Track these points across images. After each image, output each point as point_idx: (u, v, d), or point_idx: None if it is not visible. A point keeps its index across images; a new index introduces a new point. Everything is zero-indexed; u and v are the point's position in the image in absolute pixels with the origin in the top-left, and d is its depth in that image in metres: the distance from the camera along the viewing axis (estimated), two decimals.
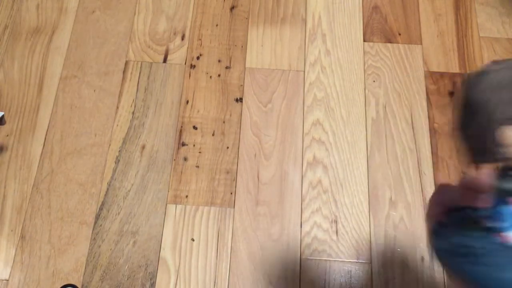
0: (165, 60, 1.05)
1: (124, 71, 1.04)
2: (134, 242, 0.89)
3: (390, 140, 0.97)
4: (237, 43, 1.07)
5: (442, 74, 1.03)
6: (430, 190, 0.93)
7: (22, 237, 0.90)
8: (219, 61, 1.05)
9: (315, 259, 0.88)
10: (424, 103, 1.01)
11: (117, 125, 0.99)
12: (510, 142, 0.33)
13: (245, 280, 0.87)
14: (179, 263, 0.88)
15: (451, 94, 1.01)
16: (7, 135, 0.98)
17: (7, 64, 1.04)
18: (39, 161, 0.96)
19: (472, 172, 0.36)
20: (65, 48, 1.06)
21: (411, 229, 0.90)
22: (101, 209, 0.92)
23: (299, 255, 0.89)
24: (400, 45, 1.06)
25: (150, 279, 0.87)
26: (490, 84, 0.35)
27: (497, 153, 0.34)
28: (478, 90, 0.35)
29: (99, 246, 0.89)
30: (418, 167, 0.95)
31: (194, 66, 1.04)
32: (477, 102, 0.35)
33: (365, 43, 1.07)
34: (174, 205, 0.92)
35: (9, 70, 1.04)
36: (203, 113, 1.00)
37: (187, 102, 1.01)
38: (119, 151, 0.97)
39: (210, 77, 1.03)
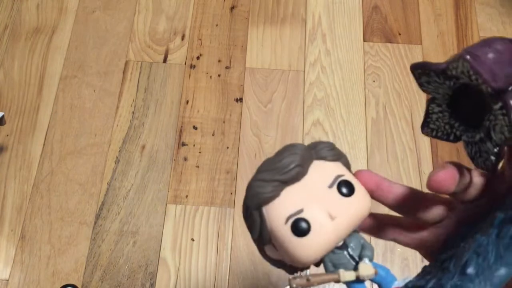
0: (165, 60, 1.05)
1: (124, 71, 1.04)
2: (134, 242, 0.89)
3: (390, 140, 0.97)
4: (237, 43, 1.07)
5: None
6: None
7: (22, 237, 0.90)
8: (219, 61, 1.05)
9: None
10: (424, 103, 1.00)
11: (117, 125, 0.99)
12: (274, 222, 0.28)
13: (245, 280, 0.87)
14: (179, 263, 0.88)
15: None
16: (7, 135, 0.98)
17: (7, 64, 1.04)
18: (39, 161, 0.96)
19: None
20: (65, 48, 1.06)
21: None
22: (101, 209, 0.92)
23: None
24: (400, 45, 1.06)
25: (150, 279, 0.87)
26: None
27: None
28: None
29: (99, 246, 0.89)
30: (418, 167, 0.95)
31: (194, 66, 1.04)
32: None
33: (365, 43, 1.07)
34: (174, 205, 0.92)
35: (9, 70, 1.04)
36: (203, 113, 1.00)
37: (187, 102, 1.01)
38: (119, 151, 0.97)
39: (210, 77, 1.03)
